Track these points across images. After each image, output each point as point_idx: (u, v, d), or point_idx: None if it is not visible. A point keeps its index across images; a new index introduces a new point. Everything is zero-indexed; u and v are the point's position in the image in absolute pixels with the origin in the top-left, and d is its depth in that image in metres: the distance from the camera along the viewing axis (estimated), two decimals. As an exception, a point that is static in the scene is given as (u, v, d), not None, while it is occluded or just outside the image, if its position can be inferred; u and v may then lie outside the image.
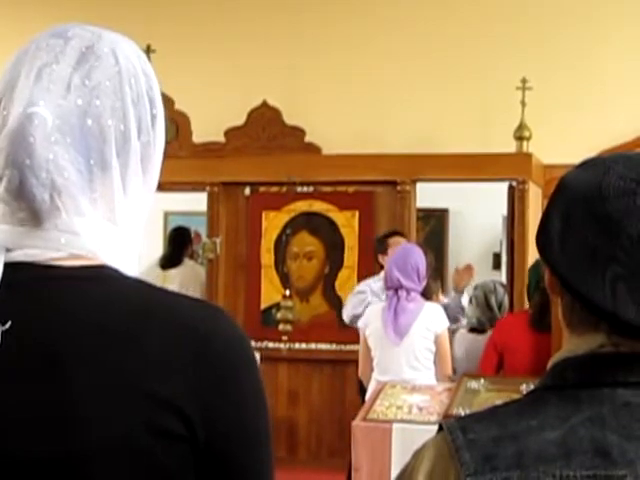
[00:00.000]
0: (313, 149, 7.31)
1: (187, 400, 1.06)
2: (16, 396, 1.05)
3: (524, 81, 6.82)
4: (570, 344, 1.18)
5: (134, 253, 1.19)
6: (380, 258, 6.41)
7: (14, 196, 1.10)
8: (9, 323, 1.06)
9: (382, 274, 6.33)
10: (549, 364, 1.19)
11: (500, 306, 6.10)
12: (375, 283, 6.23)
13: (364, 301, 6.21)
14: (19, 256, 1.10)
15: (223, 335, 1.11)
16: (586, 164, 1.20)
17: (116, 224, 1.16)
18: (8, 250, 1.10)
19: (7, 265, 1.09)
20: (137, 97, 1.17)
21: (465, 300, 6.55)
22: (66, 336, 1.07)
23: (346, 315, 6.36)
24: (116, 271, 1.14)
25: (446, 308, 6.52)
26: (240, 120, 7.37)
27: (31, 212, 1.11)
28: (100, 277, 1.12)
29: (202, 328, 1.10)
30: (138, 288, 1.13)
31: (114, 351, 1.06)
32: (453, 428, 1.12)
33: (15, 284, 1.09)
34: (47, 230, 1.11)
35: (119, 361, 1.06)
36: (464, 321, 6.42)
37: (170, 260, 7.48)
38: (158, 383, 1.06)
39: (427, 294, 5.58)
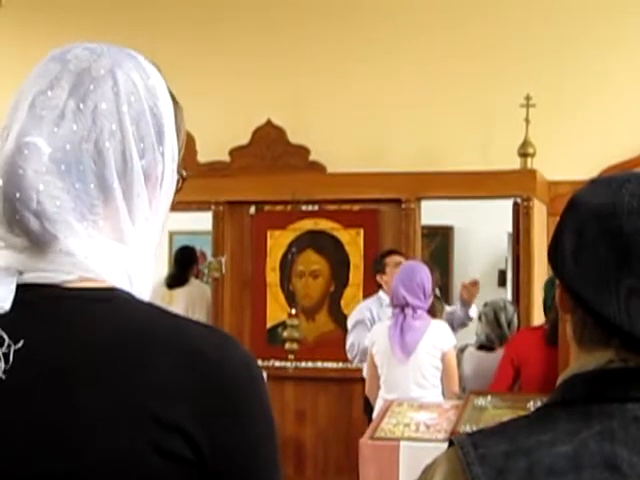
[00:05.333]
0: (317, 168, 7.31)
1: (194, 424, 1.06)
2: (24, 414, 1.06)
3: (528, 98, 6.83)
4: (579, 360, 1.18)
5: (147, 274, 1.19)
6: (378, 278, 6.38)
7: (10, 228, 1.11)
8: (21, 342, 1.07)
9: (381, 294, 6.27)
10: (558, 381, 1.19)
11: (510, 324, 6.08)
12: (380, 308, 6.09)
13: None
14: (31, 278, 1.11)
15: (231, 360, 1.11)
16: (597, 182, 1.21)
17: (127, 245, 1.16)
18: (20, 273, 1.11)
19: (19, 286, 1.10)
20: (137, 115, 1.16)
21: (474, 312, 6.47)
22: (75, 356, 1.08)
23: (351, 354, 6.08)
24: (127, 293, 1.14)
25: (452, 314, 6.49)
26: (245, 139, 7.39)
27: (31, 242, 1.11)
28: (111, 299, 1.13)
29: (210, 353, 1.10)
30: (148, 311, 1.14)
31: (122, 373, 1.07)
32: (464, 443, 1.13)
33: (27, 304, 1.10)
34: (55, 254, 1.11)
35: (126, 383, 1.06)
36: (471, 330, 6.36)
37: (176, 279, 7.50)
38: (165, 406, 1.06)
39: (432, 312, 5.57)
